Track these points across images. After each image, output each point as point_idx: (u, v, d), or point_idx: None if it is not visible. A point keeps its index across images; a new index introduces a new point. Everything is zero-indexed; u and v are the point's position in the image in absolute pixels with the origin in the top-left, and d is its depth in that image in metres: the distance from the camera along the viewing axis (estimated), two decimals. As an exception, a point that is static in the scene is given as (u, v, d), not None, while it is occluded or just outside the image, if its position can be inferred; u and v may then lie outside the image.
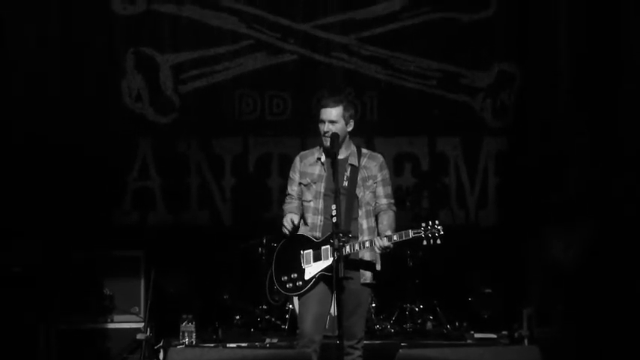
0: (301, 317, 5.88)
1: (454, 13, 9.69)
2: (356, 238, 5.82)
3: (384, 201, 5.96)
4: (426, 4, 9.70)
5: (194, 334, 8.01)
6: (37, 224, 8.44)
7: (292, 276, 5.88)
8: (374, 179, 5.96)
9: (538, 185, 9.27)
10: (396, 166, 9.53)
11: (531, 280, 8.46)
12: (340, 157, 5.91)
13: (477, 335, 8.33)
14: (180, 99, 9.65)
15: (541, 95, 9.48)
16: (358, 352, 5.90)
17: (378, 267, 5.95)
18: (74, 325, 7.91)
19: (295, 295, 6.04)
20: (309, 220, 5.93)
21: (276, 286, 6.01)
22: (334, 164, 5.80)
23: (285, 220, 5.90)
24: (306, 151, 6.12)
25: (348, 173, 5.91)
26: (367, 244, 5.74)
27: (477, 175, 9.78)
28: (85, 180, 9.15)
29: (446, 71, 9.75)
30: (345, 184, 5.88)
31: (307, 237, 5.88)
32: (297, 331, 5.93)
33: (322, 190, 5.91)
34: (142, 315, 8.06)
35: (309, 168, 5.99)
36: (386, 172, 6.03)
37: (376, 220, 5.95)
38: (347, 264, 5.53)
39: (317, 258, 5.80)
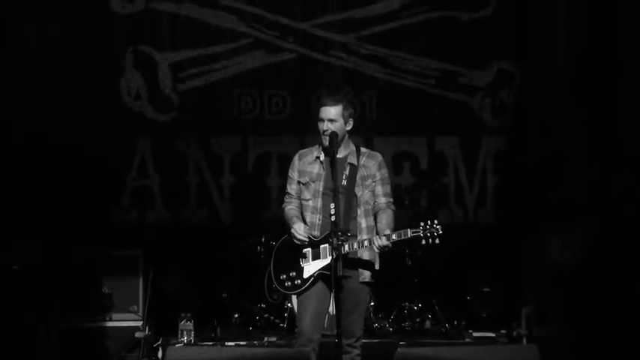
0: (300, 316, 5.89)
1: (453, 12, 9.68)
2: (355, 237, 5.82)
3: (382, 200, 5.97)
4: (425, 2, 9.69)
5: (193, 333, 8.01)
6: (36, 223, 8.45)
7: (291, 274, 5.89)
8: (373, 178, 5.96)
9: (537, 184, 9.27)
10: (394, 165, 9.52)
11: (530, 278, 8.47)
12: (339, 155, 5.92)
13: (475, 334, 8.33)
14: (179, 97, 9.65)
15: (540, 94, 9.48)
16: (357, 351, 5.90)
17: (377, 266, 5.95)
18: (73, 323, 7.91)
19: (294, 294, 6.04)
20: (308, 219, 5.93)
21: (275, 284, 6.02)
22: (333, 163, 5.80)
23: (296, 230, 5.86)
24: (305, 150, 6.12)
25: (347, 172, 5.92)
26: (366, 243, 5.75)
27: (475, 174, 9.77)
28: (84, 178, 9.15)
29: (445, 70, 9.74)
30: (344, 182, 5.89)
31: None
32: (296, 330, 5.94)
33: (321, 189, 5.91)
34: (140, 313, 8.05)
35: (308, 166, 6.00)
36: (385, 170, 6.03)
37: (375, 219, 5.96)
38: (346, 263, 5.53)
39: (316, 257, 5.81)
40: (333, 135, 5.83)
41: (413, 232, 5.63)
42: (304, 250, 5.86)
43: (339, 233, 5.49)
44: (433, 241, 5.60)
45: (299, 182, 6.01)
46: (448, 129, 9.80)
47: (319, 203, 5.91)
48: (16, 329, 7.59)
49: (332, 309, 5.83)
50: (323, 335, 5.93)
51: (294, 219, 5.93)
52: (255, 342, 8.04)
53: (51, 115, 9.10)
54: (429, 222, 5.61)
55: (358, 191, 5.91)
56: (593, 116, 8.96)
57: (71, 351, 7.82)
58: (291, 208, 6.03)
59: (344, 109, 5.90)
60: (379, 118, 9.76)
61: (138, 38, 9.58)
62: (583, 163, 8.95)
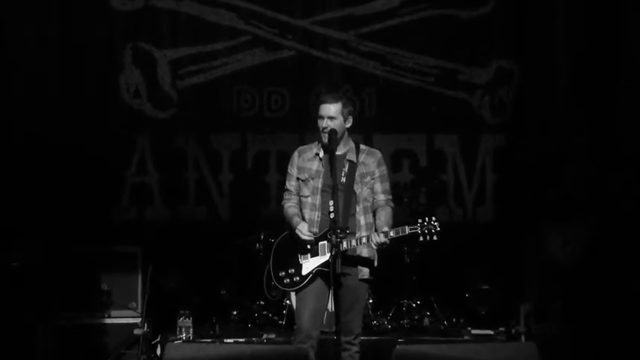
0: (298, 313, 5.89)
1: (453, 10, 9.68)
2: (353, 234, 5.83)
3: (381, 197, 5.97)
4: (424, 0, 9.69)
5: (191, 330, 8.01)
6: (35, 221, 8.45)
7: (290, 271, 5.90)
8: (372, 175, 5.96)
9: (536, 182, 9.27)
10: (393, 162, 9.52)
11: (529, 276, 8.47)
12: (338, 153, 5.92)
13: (474, 331, 8.34)
14: (178, 94, 9.64)
15: (539, 92, 9.48)
16: (355, 348, 5.91)
17: (376, 263, 5.95)
18: (72, 320, 7.91)
19: (292, 291, 6.05)
20: (307, 216, 5.94)
21: (274, 281, 6.03)
22: (332, 160, 5.80)
23: (301, 230, 5.85)
24: (305, 146, 6.12)
25: (346, 169, 5.92)
26: (364, 240, 5.75)
27: (474, 171, 9.77)
28: (84, 176, 9.14)
29: (444, 68, 9.74)
30: (343, 180, 5.89)
31: (305, 232, 5.90)
32: (295, 327, 5.95)
33: (320, 186, 5.92)
34: (139, 310, 8.05)
35: (307, 163, 6.00)
36: (384, 168, 6.04)
37: (374, 216, 5.96)
38: (344, 260, 5.54)
39: (314, 254, 5.82)
40: (332, 132, 5.83)
41: (410, 229, 5.64)
42: (303, 248, 5.86)
43: (338, 230, 5.49)
44: (431, 237, 5.60)
45: (298, 179, 6.02)
46: (447, 127, 9.80)
47: (318, 200, 5.91)
48: (15, 326, 7.59)
49: (331, 306, 5.84)
50: (322, 332, 5.93)
51: (296, 218, 5.93)
52: (253, 339, 8.04)
53: (50, 114, 9.09)
54: (426, 219, 5.61)
55: (357, 188, 5.92)
56: (593, 114, 8.96)
57: (70, 348, 7.82)
58: (290, 205, 6.03)
59: (343, 106, 5.90)
60: (378, 116, 9.75)
61: (137, 35, 9.57)
62: (583, 161, 8.95)
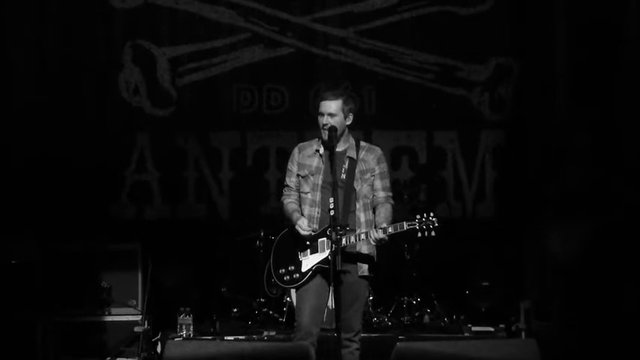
0: (298, 310, 5.89)
1: (452, 7, 9.68)
2: (353, 231, 5.83)
3: (381, 194, 5.97)
4: (424, -3, 9.71)
5: (192, 327, 8.03)
6: (34, 218, 8.44)
7: (289, 268, 5.90)
8: (372, 172, 5.96)
9: (536, 178, 9.27)
10: (393, 159, 9.52)
11: (529, 273, 8.47)
12: (338, 149, 5.92)
13: (474, 328, 8.34)
14: (178, 92, 9.64)
15: (539, 88, 9.48)
16: (355, 345, 5.91)
17: (375, 260, 5.95)
18: (72, 317, 7.90)
19: (292, 288, 6.05)
20: (306, 212, 5.93)
21: (274, 278, 6.03)
22: (332, 157, 5.80)
23: (301, 225, 5.85)
24: (305, 143, 6.12)
25: (346, 166, 5.92)
26: (363, 236, 5.75)
27: (474, 168, 9.77)
28: (83, 174, 9.15)
29: (443, 65, 9.74)
30: (343, 176, 5.89)
31: (304, 229, 5.90)
32: (295, 324, 5.94)
33: (320, 183, 5.92)
34: (139, 308, 8.05)
35: (307, 160, 6.00)
36: (384, 165, 6.03)
37: (374, 213, 5.96)
38: (344, 257, 5.53)
39: (314, 250, 5.82)
40: (332, 129, 5.83)
41: (409, 225, 5.63)
42: (302, 245, 5.86)
43: (338, 227, 5.49)
44: (429, 233, 5.60)
45: (298, 175, 6.02)
46: (447, 123, 9.79)
47: (318, 197, 5.91)
48: (14, 324, 7.59)
49: (331, 303, 5.84)
50: (322, 329, 5.93)
51: (296, 213, 5.93)
52: (254, 336, 8.05)
53: (50, 112, 9.10)
54: (424, 215, 5.61)
55: (357, 185, 5.91)
56: (593, 111, 8.95)
57: (70, 345, 7.82)
58: (290, 201, 6.03)
59: (344, 103, 5.90)
60: (378, 113, 9.75)
61: (136, 33, 9.58)
62: (583, 157, 8.94)
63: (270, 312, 8.63)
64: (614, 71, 8.82)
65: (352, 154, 5.95)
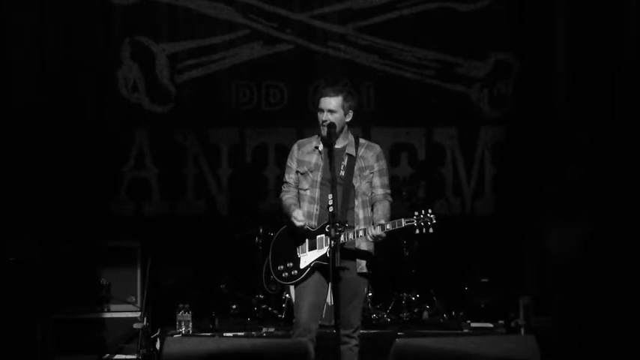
0: (297, 306, 5.89)
1: (451, 3, 9.66)
2: (352, 227, 5.82)
3: (380, 191, 5.96)
4: (423, -7, 9.69)
5: (191, 324, 8.02)
6: (33, 215, 8.44)
7: (288, 265, 5.90)
8: (371, 169, 5.95)
9: (535, 175, 9.27)
10: (392, 156, 9.52)
11: (528, 269, 8.46)
12: (338, 146, 5.91)
13: (473, 325, 8.34)
14: (177, 89, 9.64)
15: (538, 85, 9.47)
16: (354, 342, 5.91)
17: (374, 256, 5.95)
18: (71, 314, 7.90)
19: (291, 284, 6.04)
20: (305, 209, 5.93)
21: (273, 275, 6.02)
22: (331, 153, 5.79)
23: (296, 217, 5.85)
24: (305, 139, 6.12)
25: (345, 163, 5.91)
26: (361, 233, 5.75)
27: (473, 165, 9.76)
28: (82, 170, 9.15)
29: (443, 61, 9.73)
30: (342, 173, 5.89)
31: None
32: (294, 321, 5.93)
33: (319, 179, 5.91)
34: (138, 304, 8.05)
35: (306, 156, 5.99)
36: (383, 162, 6.03)
37: (372, 210, 5.95)
38: (342, 253, 5.53)
39: (312, 247, 5.82)
40: (332, 126, 5.82)
41: (407, 222, 5.62)
42: (301, 241, 5.86)
43: (337, 224, 5.49)
44: (427, 230, 5.59)
45: (297, 172, 6.01)
46: (446, 120, 9.79)
47: (317, 193, 5.91)
48: (14, 320, 7.58)
49: (330, 300, 5.83)
50: (321, 326, 5.93)
51: (293, 207, 5.93)
52: (253, 333, 8.05)
53: (48, 110, 9.09)
54: (423, 211, 5.60)
55: (356, 182, 5.91)
56: (593, 111, 8.94)
57: (69, 342, 7.82)
58: (288, 197, 6.03)
59: (344, 100, 5.89)
60: (377, 109, 9.74)
61: (135, 29, 9.57)
62: (583, 154, 8.93)
63: (269, 309, 8.63)
64: (614, 71, 8.82)
65: (351, 151, 5.94)
